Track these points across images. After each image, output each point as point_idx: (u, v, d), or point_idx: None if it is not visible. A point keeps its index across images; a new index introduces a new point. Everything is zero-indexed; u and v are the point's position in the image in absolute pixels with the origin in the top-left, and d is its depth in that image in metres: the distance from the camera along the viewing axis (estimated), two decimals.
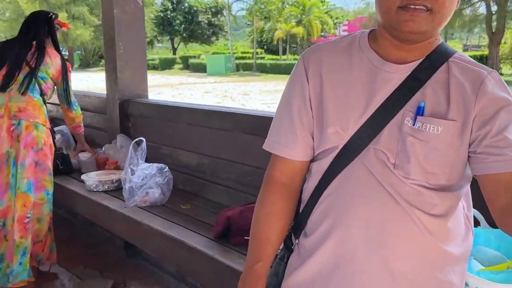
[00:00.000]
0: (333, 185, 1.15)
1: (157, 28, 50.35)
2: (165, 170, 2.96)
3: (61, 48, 3.44)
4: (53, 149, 3.19)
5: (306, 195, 1.22)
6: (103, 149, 3.85)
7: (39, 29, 3.19)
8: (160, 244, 2.63)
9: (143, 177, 2.88)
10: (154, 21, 49.29)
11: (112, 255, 3.82)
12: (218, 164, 3.12)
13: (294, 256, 1.25)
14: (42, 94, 3.13)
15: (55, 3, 39.27)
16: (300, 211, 1.24)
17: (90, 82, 23.24)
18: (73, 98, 3.43)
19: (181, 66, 44.96)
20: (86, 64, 44.80)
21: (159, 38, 54.49)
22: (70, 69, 3.38)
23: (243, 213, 2.37)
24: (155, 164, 2.97)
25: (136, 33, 3.92)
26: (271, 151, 1.24)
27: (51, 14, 3.29)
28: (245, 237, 1.70)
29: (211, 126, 3.14)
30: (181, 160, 3.41)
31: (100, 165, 3.69)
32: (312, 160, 1.22)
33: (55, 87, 3.32)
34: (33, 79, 3.07)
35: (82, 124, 3.61)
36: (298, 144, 1.20)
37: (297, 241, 1.26)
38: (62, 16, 38.51)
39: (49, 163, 3.10)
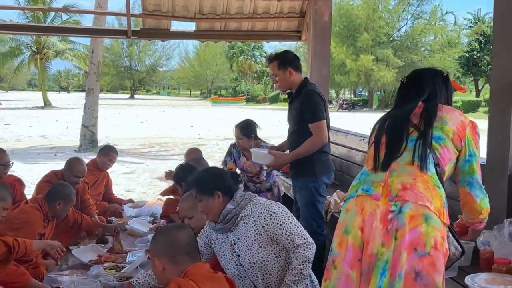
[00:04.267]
0: None
1: (461, 69, 47.66)
2: None
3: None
4: (446, 256, 2.15)
5: None
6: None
7: (437, 91, 2.38)
8: None
9: None
10: (458, 61, 46.78)
11: None
12: None
13: None
14: (436, 166, 2.21)
15: (362, 46, 40.83)
16: None
17: None
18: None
19: (486, 109, 41.35)
20: (384, 105, 45.11)
21: (461, 79, 51.49)
22: (477, 129, 2.36)
23: None
24: None
25: None
26: None
27: (446, 73, 2.46)
28: None
29: None
30: None
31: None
32: None
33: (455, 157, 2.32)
34: (426, 145, 2.21)
35: (486, 220, 2.45)
36: None
37: None
38: (368, 59, 39.80)
39: (437, 279, 2.07)
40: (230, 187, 2.96)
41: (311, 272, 2.97)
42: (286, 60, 3.99)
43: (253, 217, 2.85)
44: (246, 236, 2.86)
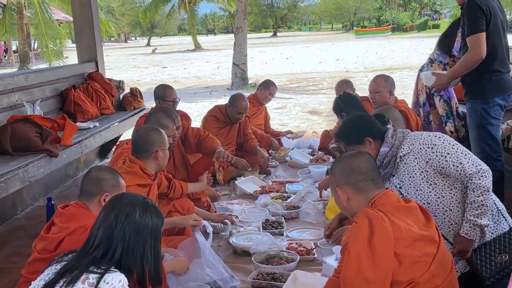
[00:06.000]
0: None
1: None
2: None
3: None
4: None
5: None
6: None
7: None
8: None
9: None
10: None
11: None
12: None
13: None
14: None
15: None
16: None
17: None
18: None
19: None
20: None
21: None
22: None
23: None
24: None
25: None
26: None
27: None
28: None
29: None
30: None
31: None
32: None
33: None
34: None
35: None
36: None
37: None
38: None
39: None
40: (379, 129, 2.74)
41: (495, 198, 2.68)
42: None
43: (413, 155, 2.62)
44: (411, 177, 2.64)
